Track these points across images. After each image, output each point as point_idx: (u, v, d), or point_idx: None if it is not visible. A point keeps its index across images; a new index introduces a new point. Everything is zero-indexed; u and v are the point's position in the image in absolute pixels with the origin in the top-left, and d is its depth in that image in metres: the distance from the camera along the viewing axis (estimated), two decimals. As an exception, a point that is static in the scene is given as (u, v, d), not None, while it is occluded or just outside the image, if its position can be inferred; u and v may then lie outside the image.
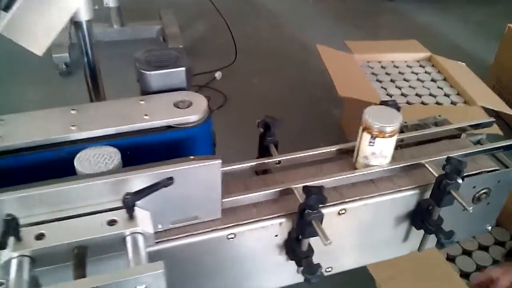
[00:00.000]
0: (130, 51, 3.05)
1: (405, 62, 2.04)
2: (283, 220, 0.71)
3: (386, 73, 1.96)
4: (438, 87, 1.87)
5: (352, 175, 0.76)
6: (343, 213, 0.74)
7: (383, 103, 0.85)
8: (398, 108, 0.85)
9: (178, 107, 0.69)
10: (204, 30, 3.01)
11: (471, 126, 0.89)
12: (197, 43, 2.86)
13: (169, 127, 0.67)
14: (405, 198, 0.77)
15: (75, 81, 2.42)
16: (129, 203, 0.55)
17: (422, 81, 1.91)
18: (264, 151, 0.82)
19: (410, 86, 1.87)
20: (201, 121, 0.69)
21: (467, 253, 1.45)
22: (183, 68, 0.72)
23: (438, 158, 0.79)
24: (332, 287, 0.98)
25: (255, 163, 0.77)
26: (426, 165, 0.78)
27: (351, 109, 2.02)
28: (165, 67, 0.71)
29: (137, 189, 0.59)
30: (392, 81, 1.91)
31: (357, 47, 2.06)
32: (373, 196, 0.76)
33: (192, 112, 0.68)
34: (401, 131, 0.92)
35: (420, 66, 2.02)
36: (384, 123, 0.72)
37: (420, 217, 0.79)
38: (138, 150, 0.66)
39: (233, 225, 0.69)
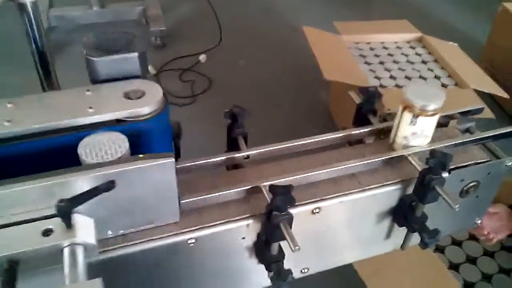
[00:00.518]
0: (111, 34, 2.92)
1: (395, 43, 1.96)
2: (250, 221, 0.64)
3: (375, 55, 1.88)
4: (429, 69, 1.79)
5: (330, 169, 0.69)
6: (318, 212, 0.67)
7: (363, 89, 0.77)
8: (378, 94, 0.78)
9: (129, 98, 0.61)
10: (189, 11, 2.91)
11: (460, 113, 0.82)
12: (181, 25, 2.76)
13: (118, 121, 0.60)
14: (386, 193, 0.71)
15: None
16: (63, 211, 0.48)
17: (412, 63, 1.83)
18: (232, 144, 0.74)
19: (399, 68, 1.80)
20: (155, 113, 0.61)
21: (457, 243, 1.39)
22: (136, 54, 0.64)
23: (422, 149, 0.72)
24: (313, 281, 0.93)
25: (220, 158, 0.70)
26: (409, 158, 0.71)
27: (338, 92, 1.95)
28: (116, 52, 0.63)
29: (78, 192, 0.51)
30: (381, 63, 1.83)
31: (345, 28, 1.98)
32: (350, 192, 0.69)
33: (145, 103, 0.60)
34: (384, 119, 0.85)
35: (411, 47, 1.94)
36: (427, 101, 0.68)
37: (403, 214, 0.72)
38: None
39: (194, 229, 0.62)
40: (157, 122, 0.61)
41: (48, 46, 0.78)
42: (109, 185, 0.51)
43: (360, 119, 0.81)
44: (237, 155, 0.71)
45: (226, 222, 0.63)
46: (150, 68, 2.36)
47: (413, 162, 0.71)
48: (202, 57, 2.47)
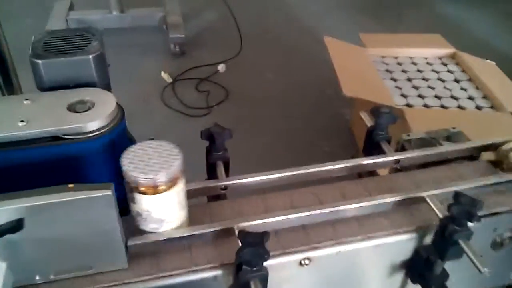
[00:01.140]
0: (130, 40, 2.88)
1: (425, 59, 1.80)
2: (219, 272, 0.51)
3: (403, 71, 1.72)
4: (462, 89, 1.62)
5: (327, 210, 0.55)
6: (307, 264, 0.53)
7: (375, 110, 0.63)
8: (394, 119, 0.64)
9: (74, 111, 0.49)
10: (211, 20, 2.80)
11: (493, 144, 0.67)
12: (202, 33, 2.66)
13: (55, 138, 0.48)
14: (398, 244, 0.56)
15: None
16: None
17: (443, 81, 1.66)
18: (212, 171, 0.61)
19: (429, 86, 1.63)
20: (103, 130, 0.49)
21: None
22: (90, 56, 0.52)
23: (444, 190, 0.58)
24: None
25: (191, 188, 0.57)
26: (428, 199, 0.57)
27: (360, 108, 1.79)
28: (66, 54, 0.52)
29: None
30: (408, 79, 1.67)
31: (371, 40, 1.83)
32: (351, 240, 0.55)
33: (91, 117, 0.48)
34: (402, 147, 0.70)
35: (442, 63, 1.77)
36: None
37: (418, 270, 0.57)
38: (8, 171, 0.46)
39: (146, 279, 0.49)
40: (105, 142, 0.49)
41: (7, 48, 0.67)
42: (14, 226, 0.38)
43: (371, 146, 0.67)
44: (213, 184, 0.58)
45: (187, 271, 0.50)
46: (165, 76, 2.27)
47: (432, 205, 0.56)
48: (221, 67, 2.36)
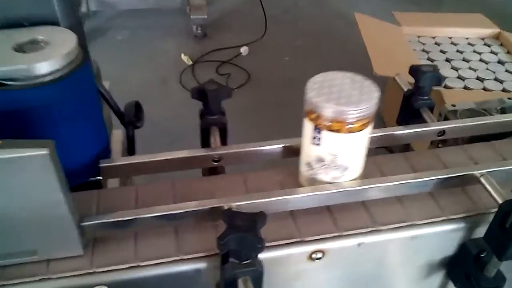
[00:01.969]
0: (151, 21, 2.79)
1: (467, 39, 1.64)
2: (202, 265, 0.39)
3: (441, 51, 1.57)
4: (507, 71, 1.46)
5: (345, 189, 0.43)
6: (319, 258, 0.41)
7: (415, 69, 0.50)
8: (438, 80, 0.51)
9: (22, 51, 0.38)
10: (235, 1, 2.69)
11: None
12: (226, 15, 2.54)
13: (-5, 83, 0.37)
14: (438, 235, 0.43)
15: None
16: None
17: (486, 63, 1.50)
18: (206, 138, 0.49)
19: (470, 68, 1.47)
20: (58, 76, 0.37)
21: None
22: (47, -15, 0.41)
23: (502, 168, 0.44)
24: None
25: (177, 156, 0.46)
26: (483, 180, 0.43)
27: (394, 94, 1.65)
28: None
29: None
30: (447, 60, 1.52)
31: (406, 19, 1.68)
32: (376, 230, 0.42)
33: (40, 58, 0.37)
34: (445, 118, 0.57)
35: (485, 44, 1.61)
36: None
37: (464, 270, 0.44)
38: None
39: (105, 270, 0.38)
40: (62, 90, 0.38)
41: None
42: None
43: (408, 115, 0.54)
44: (201, 153, 0.46)
45: (161, 263, 0.38)
46: (185, 58, 2.17)
47: (488, 186, 0.43)
48: (244, 50, 2.24)
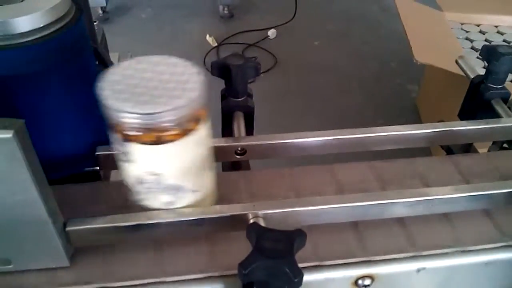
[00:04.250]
0: (176, 0, 2.72)
1: (515, 28, 1.51)
2: (214, 286, 0.30)
3: (486, 40, 1.45)
4: (562, 64, 1.33)
5: (402, 200, 0.33)
6: (367, 286, 0.32)
7: (489, 50, 0.41)
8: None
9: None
10: (266, -19, 2.58)
11: None
12: (255, -5, 2.45)
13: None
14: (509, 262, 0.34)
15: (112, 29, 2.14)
16: None
17: (538, 54, 1.37)
18: (228, 126, 0.41)
19: (519, 60, 1.35)
20: (42, 34, 0.29)
21: None
22: None
23: None
24: None
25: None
26: None
27: (431, 83, 1.54)
28: None
29: None
30: (493, 50, 1.39)
31: (450, 4, 1.56)
32: (438, 253, 0.33)
33: (19, 11, 0.29)
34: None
35: (537, 35, 1.48)
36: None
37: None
38: None
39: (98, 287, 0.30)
40: (48, 53, 0.29)
41: None
42: None
43: (476, 106, 0.44)
44: (222, 144, 0.37)
45: (160, 282, 0.30)
46: (210, 39, 2.09)
47: None
48: (272, 32, 2.15)
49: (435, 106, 1.49)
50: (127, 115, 0.27)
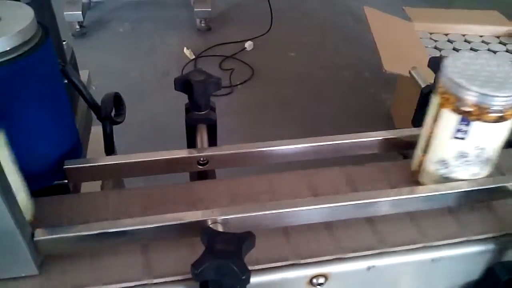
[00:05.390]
0: (154, 13, 2.73)
1: (481, 37, 1.57)
2: (179, 289, 0.32)
3: (454, 49, 1.50)
4: (525, 71, 1.38)
5: (356, 202, 0.36)
6: (321, 284, 0.34)
7: (434, 60, 0.44)
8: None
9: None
10: (243, -6, 2.62)
11: None
12: (231, 8, 2.47)
13: None
14: (460, 258, 0.37)
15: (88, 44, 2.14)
16: None
17: (503, 62, 1.43)
18: (192, 138, 0.43)
19: (485, 67, 1.40)
20: (10, 56, 0.31)
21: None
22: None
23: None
24: None
25: (157, 158, 0.39)
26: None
27: (403, 91, 1.58)
28: None
29: None
30: (460, 59, 1.44)
31: (418, 15, 1.61)
32: (388, 251, 0.35)
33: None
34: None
35: (500, 43, 1.54)
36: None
37: (491, 298, 0.38)
38: None
39: (64, 294, 0.32)
40: (14, 73, 0.31)
41: None
42: None
43: (425, 116, 0.47)
44: (185, 155, 0.39)
45: (131, 285, 0.32)
46: (188, 52, 2.11)
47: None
48: (248, 45, 2.17)
49: (408, 113, 1.53)
50: (470, 93, 0.33)
